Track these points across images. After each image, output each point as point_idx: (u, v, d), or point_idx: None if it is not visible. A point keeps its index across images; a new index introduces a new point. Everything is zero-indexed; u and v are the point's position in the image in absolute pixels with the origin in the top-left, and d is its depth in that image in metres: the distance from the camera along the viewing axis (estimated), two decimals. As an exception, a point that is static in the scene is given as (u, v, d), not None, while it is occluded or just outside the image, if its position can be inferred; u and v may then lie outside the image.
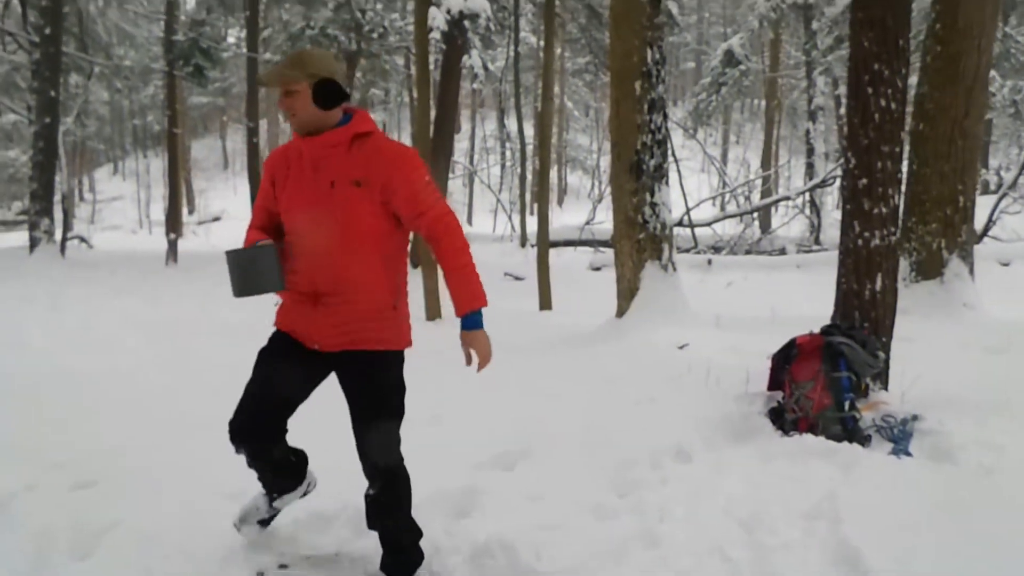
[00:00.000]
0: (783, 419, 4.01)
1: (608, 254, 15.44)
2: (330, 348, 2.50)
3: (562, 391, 4.60)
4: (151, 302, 8.84)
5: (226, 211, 32.39)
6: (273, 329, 2.65)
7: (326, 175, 2.37)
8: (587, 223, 18.50)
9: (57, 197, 13.15)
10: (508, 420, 4.10)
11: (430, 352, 5.95)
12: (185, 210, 25.20)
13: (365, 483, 2.66)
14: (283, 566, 2.74)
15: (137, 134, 42.41)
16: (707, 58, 39.65)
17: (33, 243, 12.26)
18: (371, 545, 2.82)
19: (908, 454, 3.67)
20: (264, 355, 2.61)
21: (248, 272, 2.37)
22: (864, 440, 3.79)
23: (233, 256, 2.37)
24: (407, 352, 2.65)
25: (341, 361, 2.53)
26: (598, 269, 14.88)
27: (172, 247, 13.67)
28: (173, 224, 14.21)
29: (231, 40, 27.48)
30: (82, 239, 17.90)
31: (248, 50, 15.54)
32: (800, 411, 3.93)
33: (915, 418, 3.92)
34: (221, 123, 44.64)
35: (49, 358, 5.71)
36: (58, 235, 13.30)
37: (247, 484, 2.89)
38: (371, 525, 2.64)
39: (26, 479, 3.55)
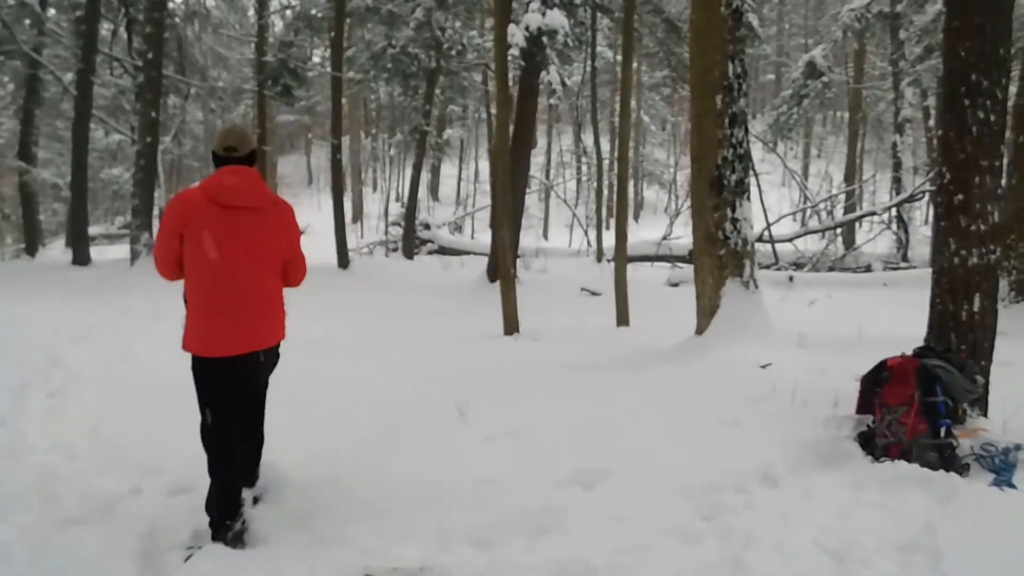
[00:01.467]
0: (874, 444, 3.87)
1: (686, 270, 15.25)
2: None
3: (642, 410, 4.57)
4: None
5: (310, 225, 33.31)
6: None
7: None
8: (664, 238, 18.30)
9: (155, 212, 13.85)
10: (587, 437, 4.09)
11: (510, 367, 6.04)
12: (271, 224, 26.16)
13: (443, 496, 3.01)
14: (369, 576, 2.80)
15: (229, 152, 44.22)
16: (787, 70, 38.72)
17: (134, 256, 12.93)
18: (456, 559, 2.87)
19: (1012, 486, 3.49)
20: None
21: None
22: (962, 469, 3.63)
23: None
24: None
25: None
26: (676, 285, 14.68)
27: (259, 260, 14.13)
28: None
29: (316, 60, 28.45)
30: (175, 253, 18.72)
31: (333, 69, 16.06)
32: (892, 436, 3.79)
33: (1018, 448, 3.73)
34: (306, 140, 46.17)
35: (150, 367, 6.02)
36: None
37: (332, 488, 2.99)
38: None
39: (131, 483, 3.76)
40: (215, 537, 3.07)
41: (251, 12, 23.01)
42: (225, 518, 3.08)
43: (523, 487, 3.43)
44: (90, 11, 14.46)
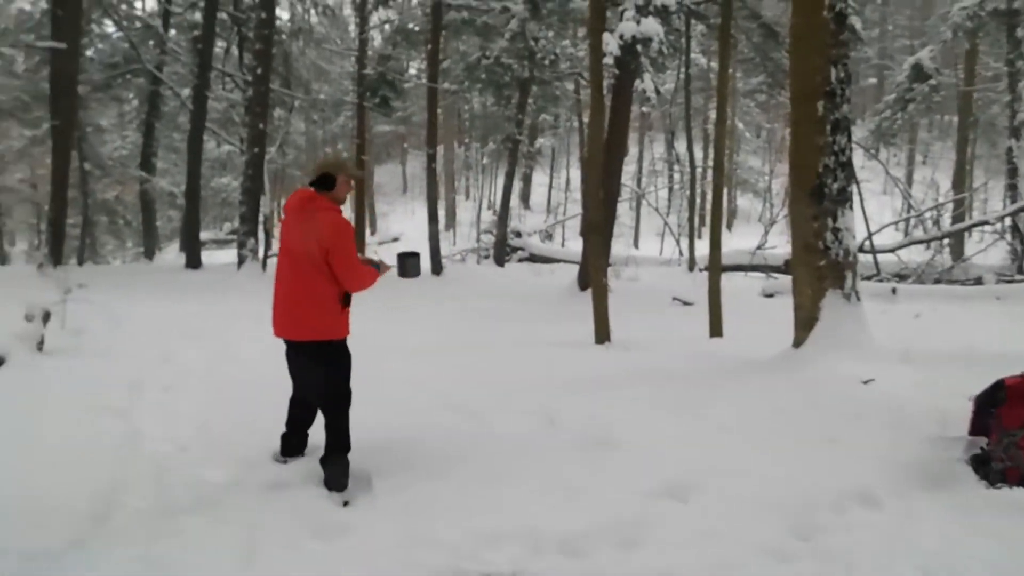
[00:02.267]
0: (988, 468, 3.65)
1: (782, 280, 14.79)
2: None
3: (736, 423, 4.47)
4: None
5: (404, 233, 34.17)
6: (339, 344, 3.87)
7: None
8: (759, 248, 17.82)
9: (260, 219, 14.54)
10: (679, 449, 4.04)
11: (600, 375, 6.02)
12: (367, 231, 26.98)
13: (532, 502, 3.13)
14: (461, 578, 2.85)
15: (328, 162, 45.97)
16: (891, 73, 37.03)
17: (241, 260, 13.61)
18: (546, 567, 2.88)
19: None
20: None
21: (412, 265, 4.11)
22: (1088, 499, 3.38)
23: (408, 257, 4.17)
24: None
25: None
26: (771, 296, 14.26)
27: (356, 266, 14.60)
28: (359, 245, 15.19)
29: (412, 72, 29.17)
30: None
31: (428, 80, 16.45)
32: (1010, 461, 3.57)
33: None
34: (402, 150, 47.39)
35: (254, 366, 6.31)
36: (261, 252, 14.66)
37: (423, 489, 3.03)
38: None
39: (233, 475, 3.96)
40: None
41: (352, 27, 23.84)
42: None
43: (613, 497, 3.41)
44: (206, 30, 15.34)
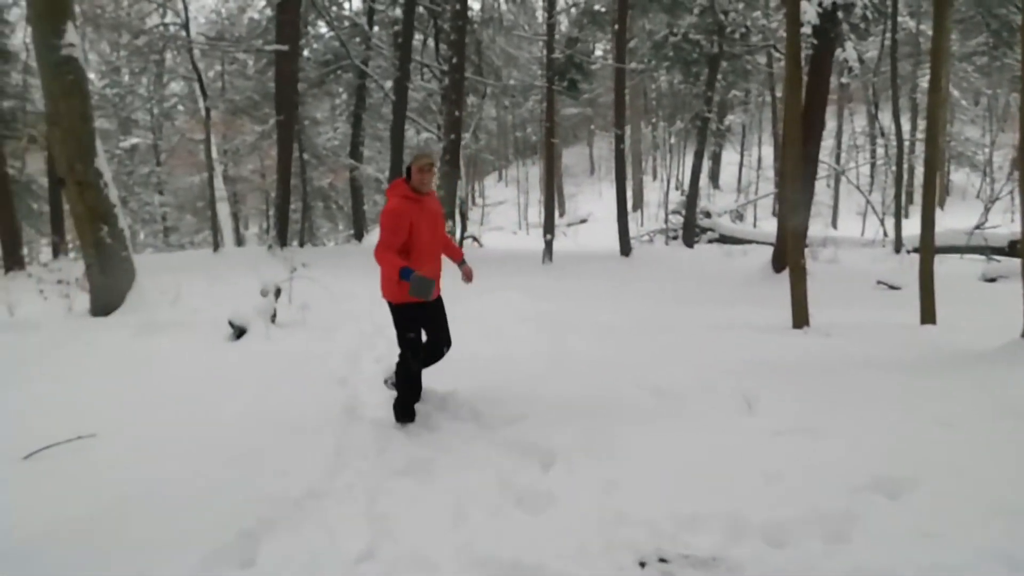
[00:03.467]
0: None
1: (1006, 264, 13.29)
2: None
3: (956, 418, 4.14)
4: (532, 296, 9.84)
5: (592, 214, 34.32)
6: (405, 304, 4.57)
7: (435, 214, 4.69)
8: (977, 227, 16.10)
9: (456, 202, 15.28)
10: (890, 442, 3.82)
11: (800, 361, 5.79)
12: (557, 213, 27.43)
13: (732, 488, 3.09)
14: (663, 560, 2.90)
15: (518, 145, 47.24)
16: None
17: (443, 241, 14.43)
18: (748, 554, 2.87)
19: None
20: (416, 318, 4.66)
21: (427, 288, 4.24)
22: None
23: (423, 280, 4.24)
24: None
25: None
26: (993, 280, 12.87)
27: (548, 247, 14.99)
28: (548, 226, 15.55)
29: (598, 53, 29.10)
30: (474, 238, 20.65)
31: (616, 61, 16.38)
32: None
33: None
34: (589, 132, 47.56)
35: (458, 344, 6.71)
36: (458, 234, 15.42)
37: (622, 467, 3.11)
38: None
39: (442, 442, 4.29)
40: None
41: (540, 12, 24.19)
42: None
43: (817, 487, 3.31)
44: (406, 25, 16.28)
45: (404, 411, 4.73)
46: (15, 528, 3.29)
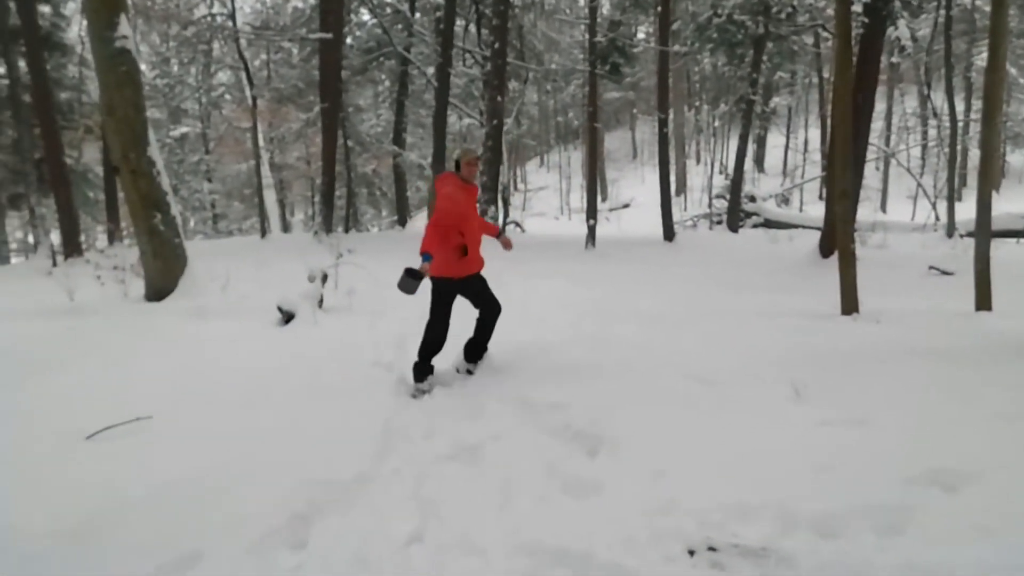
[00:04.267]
0: None
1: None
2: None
3: (1014, 409, 4.02)
4: (575, 283, 9.80)
5: (635, 199, 34.03)
6: (437, 281, 5.13)
7: (474, 201, 5.25)
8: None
9: (499, 187, 15.28)
10: (943, 434, 3.73)
11: (849, 349, 5.68)
12: (599, 198, 27.24)
13: (781, 478, 3.04)
14: (712, 548, 2.88)
15: (559, 130, 47.02)
16: None
17: (481, 226, 14.49)
18: (799, 545, 2.83)
19: None
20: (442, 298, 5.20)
21: (411, 288, 4.61)
22: None
23: (409, 281, 4.61)
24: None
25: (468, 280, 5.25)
26: (1053, 266, 12.42)
27: (591, 232, 14.91)
28: (591, 211, 15.45)
29: (640, 36, 28.75)
30: (516, 224, 20.66)
31: (659, 43, 16.15)
32: None
33: None
34: (631, 116, 47.10)
35: (502, 330, 6.73)
36: (500, 220, 15.42)
37: (671, 454, 3.09)
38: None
39: (490, 430, 4.31)
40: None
41: (582, -5, 23.95)
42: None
43: (868, 479, 3.25)
44: (448, 11, 16.27)
45: (419, 370, 5.23)
46: (80, 505, 3.42)
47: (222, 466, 3.80)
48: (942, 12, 18.80)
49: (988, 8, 8.02)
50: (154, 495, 3.51)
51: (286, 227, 25.97)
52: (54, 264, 12.56)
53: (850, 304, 7.64)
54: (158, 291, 8.54)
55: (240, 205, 30.54)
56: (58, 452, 4.09)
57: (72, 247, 14.30)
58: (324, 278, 8.03)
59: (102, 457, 4.00)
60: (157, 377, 5.49)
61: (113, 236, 16.09)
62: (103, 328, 7.07)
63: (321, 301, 7.67)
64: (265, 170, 21.08)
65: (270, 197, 21.69)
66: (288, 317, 7.18)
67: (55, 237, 16.28)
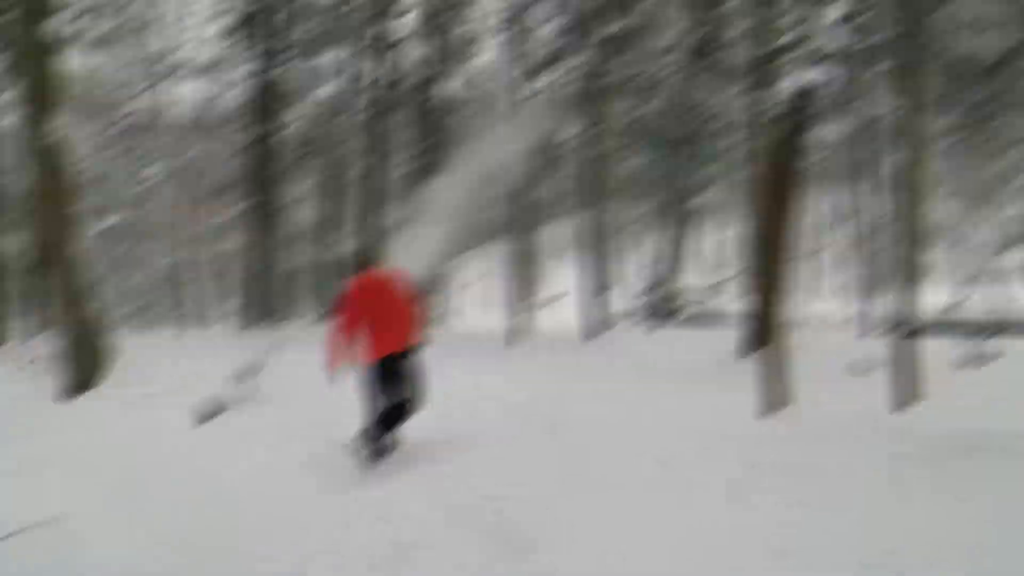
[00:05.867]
0: None
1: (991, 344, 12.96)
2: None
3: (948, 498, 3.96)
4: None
5: (567, 291, 34.32)
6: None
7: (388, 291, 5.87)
8: (956, 305, 16.11)
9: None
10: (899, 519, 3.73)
11: (785, 448, 5.66)
12: (528, 292, 27.54)
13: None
14: None
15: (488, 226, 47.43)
16: None
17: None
18: None
19: None
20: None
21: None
22: None
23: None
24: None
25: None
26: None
27: (511, 331, 14.69)
28: (513, 308, 15.34)
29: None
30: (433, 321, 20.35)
31: (586, 147, 16.78)
32: None
33: None
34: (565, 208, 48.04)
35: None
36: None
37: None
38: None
39: (420, 530, 4.18)
40: None
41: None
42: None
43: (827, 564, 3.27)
44: (377, 111, 16.62)
45: (375, 450, 5.28)
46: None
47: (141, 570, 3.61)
48: (860, 115, 19.05)
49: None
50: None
51: (214, 320, 25.37)
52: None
53: (778, 401, 7.46)
54: (80, 384, 8.22)
55: (167, 298, 29.73)
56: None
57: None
58: (251, 371, 7.91)
59: (12, 561, 3.76)
60: (76, 475, 5.23)
61: (37, 327, 15.44)
62: (18, 423, 6.73)
63: (248, 394, 7.54)
64: (193, 262, 20.78)
65: (198, 290, 21.28)
66: (214, 412, 7.04)
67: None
